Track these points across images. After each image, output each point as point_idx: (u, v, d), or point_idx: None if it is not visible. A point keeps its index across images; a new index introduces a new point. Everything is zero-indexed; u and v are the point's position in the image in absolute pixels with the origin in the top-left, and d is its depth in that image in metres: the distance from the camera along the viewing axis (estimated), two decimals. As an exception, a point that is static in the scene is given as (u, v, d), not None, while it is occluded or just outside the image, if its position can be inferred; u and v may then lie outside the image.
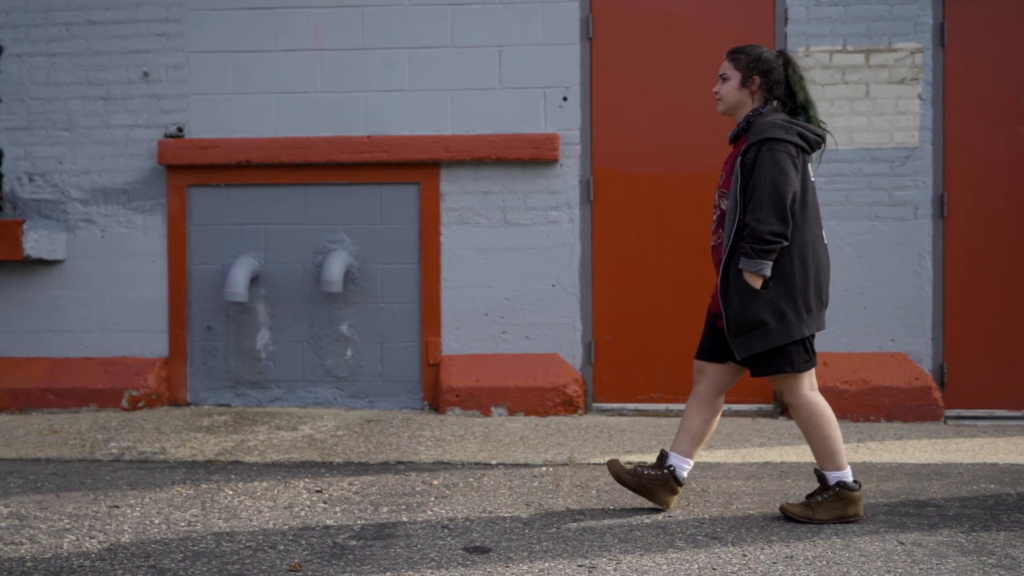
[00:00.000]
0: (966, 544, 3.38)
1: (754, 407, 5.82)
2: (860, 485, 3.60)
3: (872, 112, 5.75)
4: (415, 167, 5.86)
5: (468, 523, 3.64)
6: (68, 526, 3.62)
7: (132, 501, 3.97)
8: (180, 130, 5.96)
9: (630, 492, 4.03)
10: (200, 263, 5.96)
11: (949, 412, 5.71)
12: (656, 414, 5.78)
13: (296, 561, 3.20)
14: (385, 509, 3.84)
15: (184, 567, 3.14)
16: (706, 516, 3.72)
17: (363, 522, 3.66)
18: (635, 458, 4.67)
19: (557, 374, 5.75)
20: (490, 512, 3.78)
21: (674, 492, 3.72)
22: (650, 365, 5.86)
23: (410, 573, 3.08)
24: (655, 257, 5.85)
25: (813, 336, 3.59)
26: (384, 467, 4.59)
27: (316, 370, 5.92)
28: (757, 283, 3.46)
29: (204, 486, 4.22)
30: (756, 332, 3.47)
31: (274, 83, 5.92)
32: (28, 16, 6.02)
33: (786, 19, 5.77)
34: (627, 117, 5.84)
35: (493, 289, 5.87)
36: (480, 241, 5.86)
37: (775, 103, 3.63)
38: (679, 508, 3.82)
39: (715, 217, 3.71)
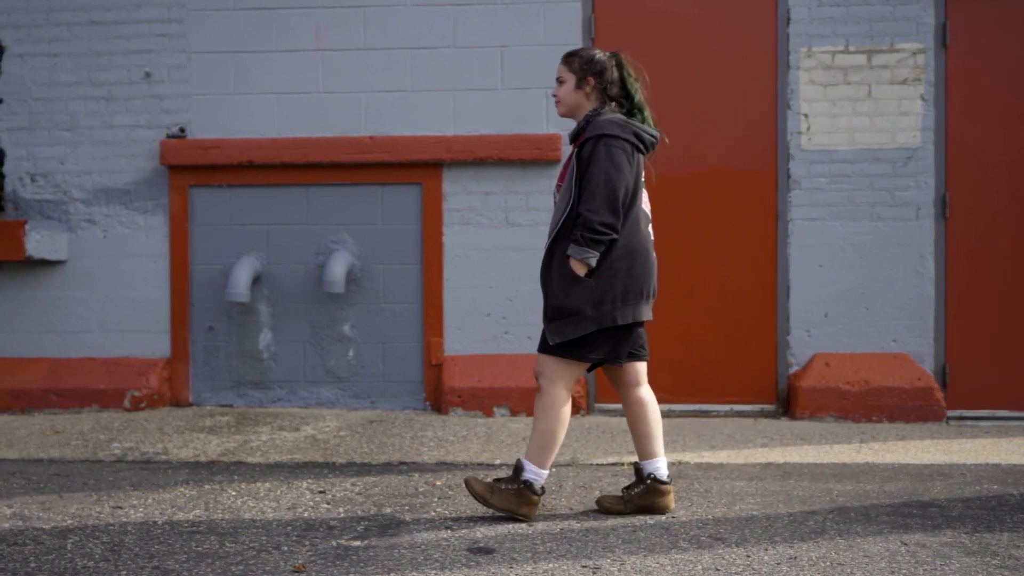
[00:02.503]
0: (970, 545, 3.38)
1: (756, 407, 5.82)
2: (543, 491, 3.65)
3: (874, 113, 5.75)
4: (417, 167, 5.86)
5: (471, 524, 3.63)
6: (71, 527, 3.62)
7: (135, 502, 3.97)
8: (182, 130, 5.96)
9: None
10: (202, 263, 5.96)
11: (951, 412, 5.71)
12: (658, 414, 5.77)
13: (300, 562, 3.19)
14: (388, 510, 3.84)
15: (188, 568, 3.14)
16: (709, 517, 3.72)
17: (366, 523, 3.66)
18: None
19: (559, 374, 5.74)
20: (493, 513, 3.78)
21: (665, 493, 3.73)
22: (652, 366, 5.79)
23: (414, 574, 3.08)
24: (656, 257, 5.83)
25: (627, 333, 3.64)
26: (387, 468, 4.59)
27: (318, 370, 5.92)
28: (582, 271, 3.54)
29: (207, 487, 4.22)
30: (572, 318, 3.54)
31: (276, 83, 5.92)
32: (30, 16, 6.02)
33: (788, 19, 5.77)
34: (629, 117, 5.83)
35: (495, 289, 5.87)
36: (482, 241, 5.86)
37: (612, 104, 3.70)
38: (682, 509, 3.82)
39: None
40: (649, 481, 3.72)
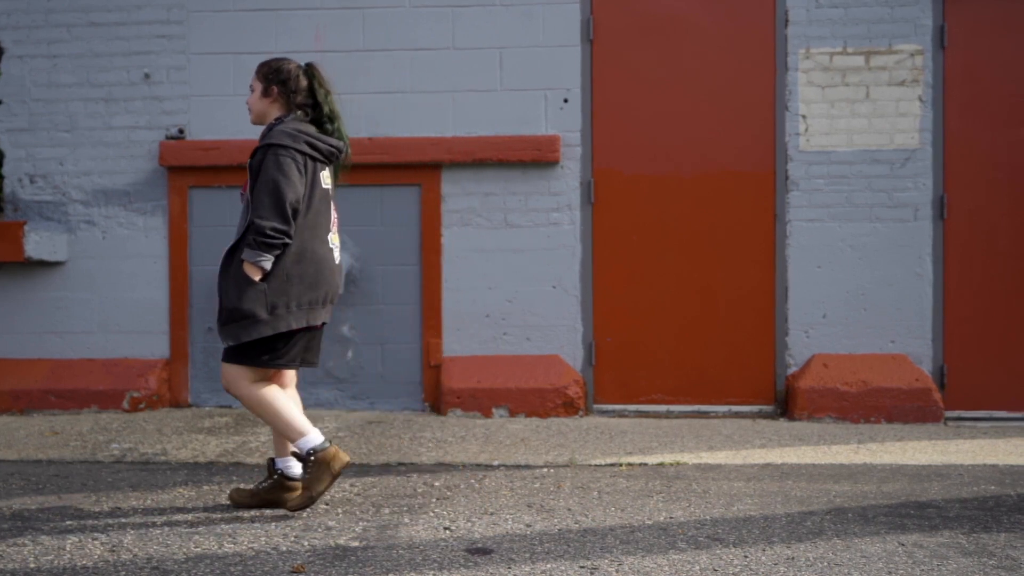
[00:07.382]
0: (967, 545, 3.38)
1: (755, 408, 5.83)
2: (330, 442, 3.70)
3: (872, 114, 5.76)
4: (416, 169, 5.86)
5: (470, 524, 3.64)
6: (70, 527, 3.63)
7: (134, 503, 3.98)
8: (181, 131, 5.97)
9: (633, 493, 4.06)
10: (201, 264, 5.97)
11: (949, 413, 5.72)
12: (657, 415, 5.78)
13: (299, 563, 3.20)
14: (387, 511, 3.85)
15: (187, 569, 3.14)
16: (708, 517, 3.73)
17: (364, 523, 3.67)
18: (635, 459, 4.68)
19: (558, 375, 5.76)
20: (492, 513, 3.79)
21: (293, 488, 3.83)
22: (651, 366, 5.87)
23: (412, 575, 3.09)
24: (656, 258, 5.86)
25: (300, 337, 3.71)
26: (385, 468, 4.59)
27: (317, 371, 5.92)
28: (256, 275, 3.61)
29: (206, 487, 4.22)
30: (246, 321, 3.60)
31: (275, 85, 5.92)
32: (29, 18, 6.03)
33: (786, 21, 5.78)
34: (628, 119, 5.85)
35: (494, 290, 5.88)
36: (481, 242, 5.87)
37: (299, 113, 3.77)
38: (680, 510, 3.83)
39: None
40: (277, 476, 3.83)
